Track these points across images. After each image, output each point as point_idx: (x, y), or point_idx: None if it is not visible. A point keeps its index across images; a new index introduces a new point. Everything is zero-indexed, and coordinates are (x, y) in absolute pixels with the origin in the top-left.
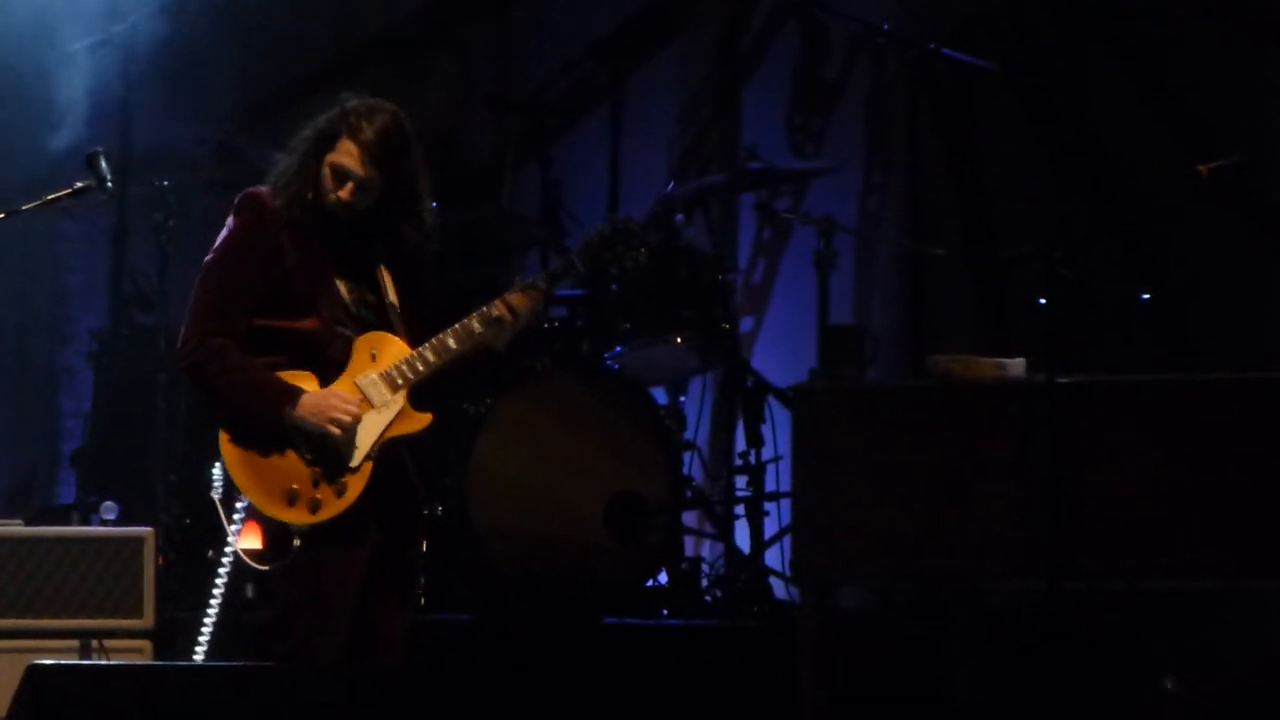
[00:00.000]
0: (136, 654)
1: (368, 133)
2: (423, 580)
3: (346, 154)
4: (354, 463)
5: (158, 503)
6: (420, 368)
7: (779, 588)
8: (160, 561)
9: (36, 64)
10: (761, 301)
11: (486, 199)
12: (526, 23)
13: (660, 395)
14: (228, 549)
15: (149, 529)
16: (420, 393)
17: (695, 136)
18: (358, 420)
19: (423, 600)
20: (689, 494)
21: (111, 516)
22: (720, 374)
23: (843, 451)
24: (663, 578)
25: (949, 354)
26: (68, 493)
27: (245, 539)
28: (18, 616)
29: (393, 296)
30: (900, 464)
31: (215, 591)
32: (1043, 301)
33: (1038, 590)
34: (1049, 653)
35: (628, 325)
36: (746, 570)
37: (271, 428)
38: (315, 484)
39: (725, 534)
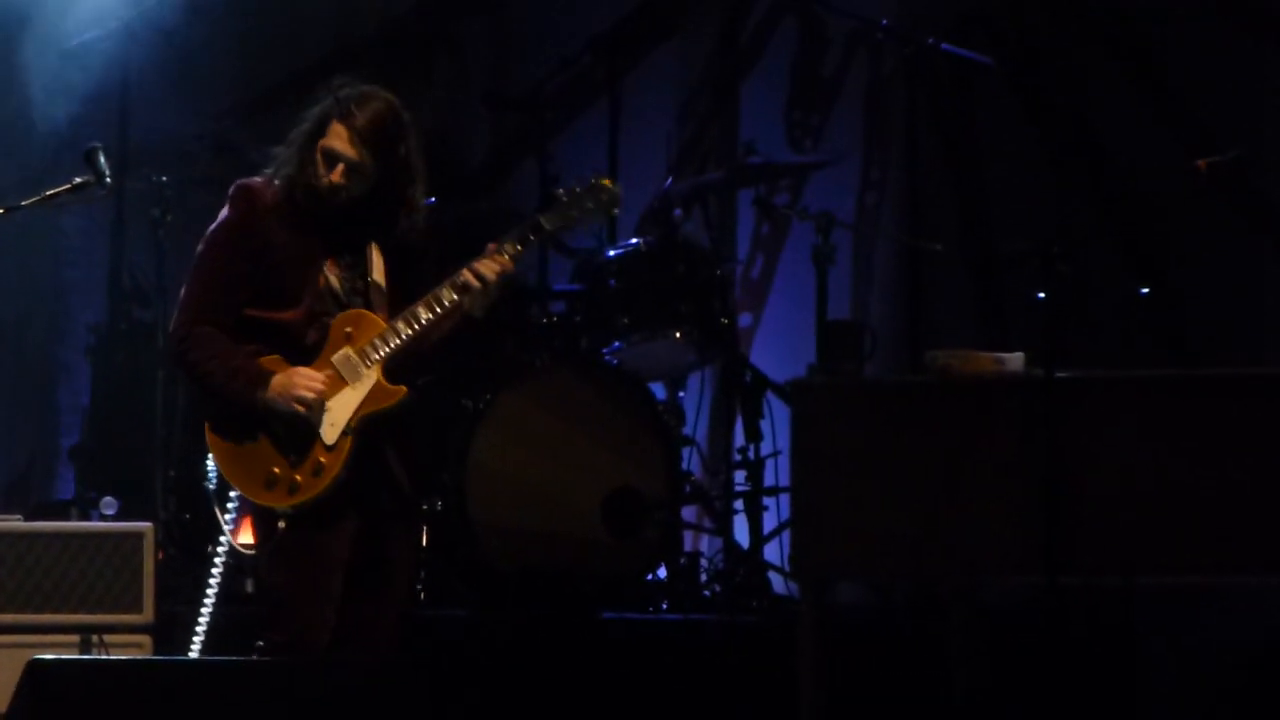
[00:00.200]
0: (136, 649)
1: (358, 116)
2: (421, 575)
3: (336, 136)
4: (330, 440)
5: (156, 498)
6: (394, 341)
7: (778, 582)
8: (159, 556)
9: (35, 60)
10: (760, 297)
11: (484, 195)
12: (524, 19)
13: (659, 390)
14: (222, 541)
15: (148, 524)
16: (404, 370)
17: (693, 132)
18: (322, 395)
19: (421, 595)
20: (687, 489)
21: (111, 511)
22: (719, 369)
23: (841, 447)
24: (661, 573)
25: (947, 349)
26: (67, 488)
27: (243, 534)
28: (17, 611)
29: (377, 275)
30: (899, 459)
31: (211, 585)
32: (1041, 297)
33: (1035, 585)
34: (1046, 648)
35: (626, 320)
36: (745, 565)
37: (249, 412)
38: (293, 466)
39: (724, 529)
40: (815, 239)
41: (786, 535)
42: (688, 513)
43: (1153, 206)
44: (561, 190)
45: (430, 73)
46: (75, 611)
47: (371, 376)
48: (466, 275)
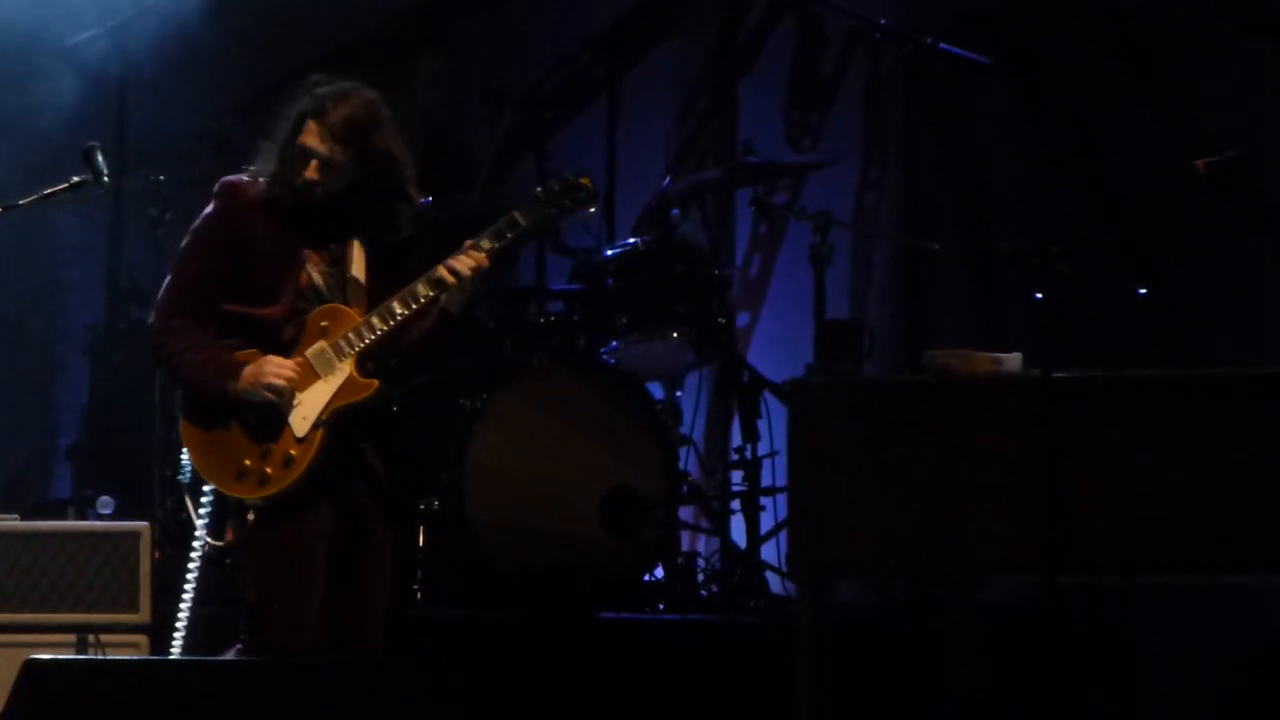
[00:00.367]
0: (132, 648)
1: (332, 114)
2: (419, 574)
3: (310, 134)
4: (301, 432)
5: (154, 497)
6: (368, 335)
7: (775, 582)
8: (156, 556)
9: (33, 59)
10: (758, 296)
11: (483, 194)
12: (523, 18)
13: (656, 390)
14: (198, 537)
15: (145, 523)
16: (385, 365)
17: (692, 131)
18: (292, 383)
19: (419, 595)
20: (685, 489)
21: (108, 511)
22: (716, 369)
23: (839, 446)
24: (659, 572)
25: (945, 349)
26: (64, 487)
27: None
28: (14, 611)
29: (356, 271)
30: (897, 459)
31: (188, 583)
32: (1039, 296)
33: (1034, 584)
34: (1045, 647)
35: (624, 320)
36: (742, 565)
37: (221, 403)
38: (264, 457)
39: (721, 529)
40: (813, 239)
41: (784, 535)
42: (685, 513)
43: (1151, 206)
44: (540, 188)
45: (429, 71)
46: (72, 611)
47: (345, 370)
48: (441, 271)
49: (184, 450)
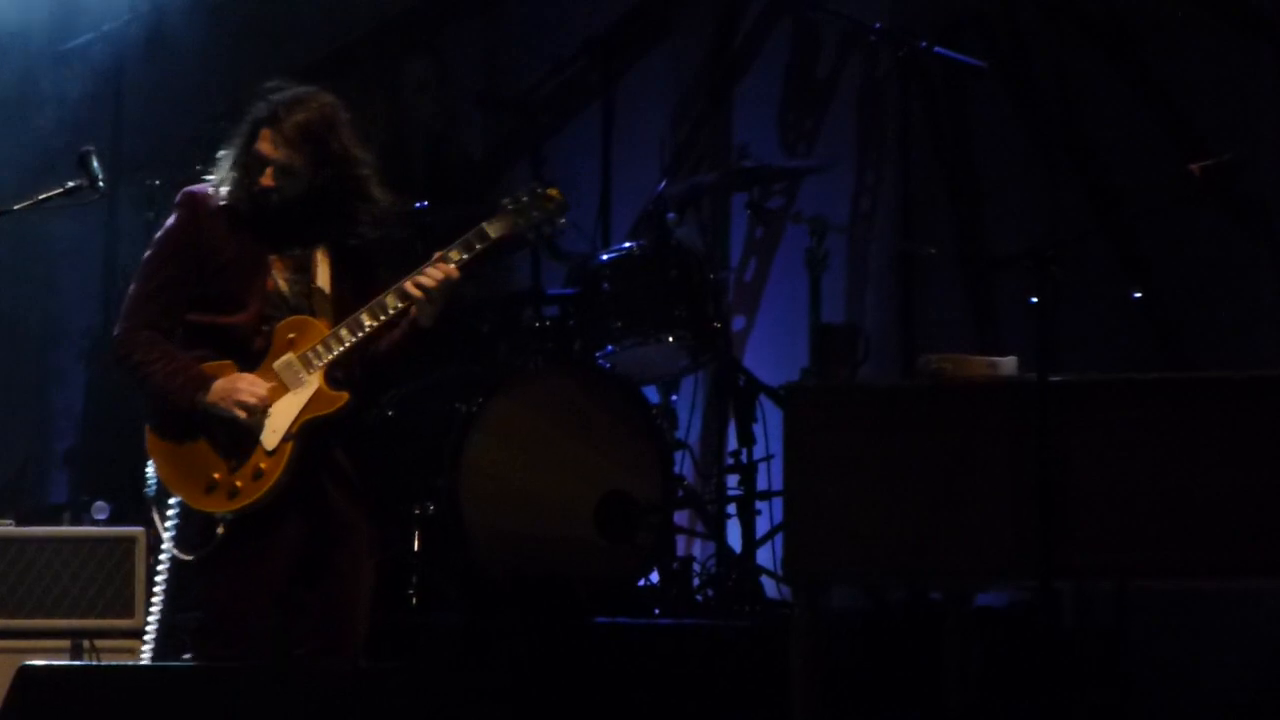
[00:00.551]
0: (127, 654)
1: (286, 119)
2: (414, 579)
3: (265, 140)
4: (270, 445)
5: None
6: (336, 347)
7: (770, 587)
8: (151, 561)
9: (28, 63)
10: (753, 300)
11: (478, 198)
12: (518, 22)
13: (652, 394)
14: (164, 549)
15: (140, 529)
16: (355, 377)
17: (687, 135)
18: (264, 403)
19: (414, 600)
20: (680, 493)
21: (103, 516)
22: (712, 373)
23: (834, 450)
24: (654, 577)
25: (941, 353)
26: (59, 492)
27: None
28: (9, 617)
29: (321, 282)
30: (892, 463)
31: (156, 593)
32: (1034, 300)
33: (1029, 589)
34: (1039, 652)
35: (619, 324)
36: (738, 569)
37: (188, 415)
38: (233, 470)
39: (717, 533)
40: (808, 242)
41: (779, 539)
42: (680, 517)
43: (1146, 210)
44: (507, 199)
45: (423, 75)
46: (66, 617)
47: (313, 383)
48: (408, 284)
49: (149, 461)
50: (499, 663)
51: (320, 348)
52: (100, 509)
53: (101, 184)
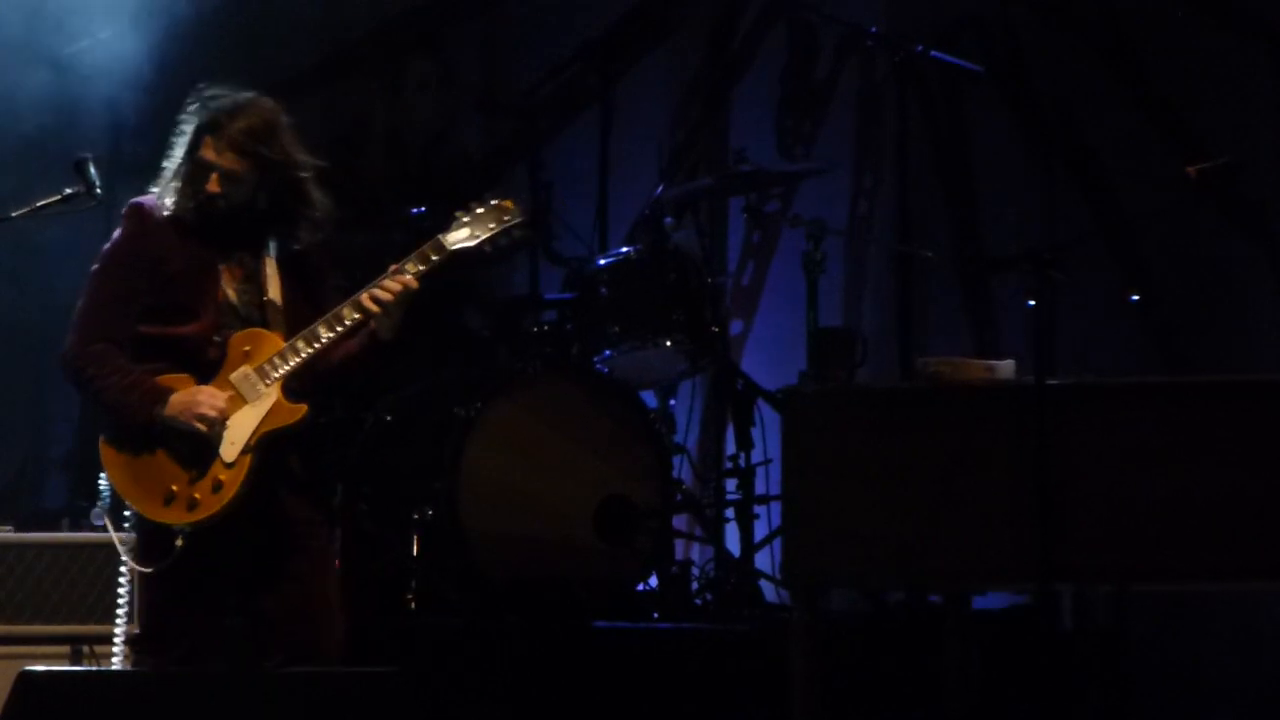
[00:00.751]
0: (127, 660)
1: (228, 125)
2: (412, 583)
3: (208, 147)
4: (229, 458)
5: None
6: (292, 359)
7: (770, 590)
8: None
9: (25, 69)
10: (751, 304)
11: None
12: (515, 24)
13: (650, 398)
14: (123, 561)
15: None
16: (306, 387)
17: (685, 139)
18: (224, 416)
19: (413, 604)
20: (679, 497)
21: (101, 522)
22: (710, 377)
23: (832, 454)
24: (653, 581)
25: (939, 356)
26: (56, 497)
27: None
28: (8, 622)
29: (273, 293)
30: (890, 466)
31: (120, 605)
32: (1032, 303)
33: (1028, 592)
34: (1039, 654)
35: (617, 328)
36: (737, 573)
37: (145, 428)
38: (191, 482)
39: (715, 537)
40: (806, 246)
41: (778, 543)
42: (679, 521)
43: (1144, 212)
44: (461, 210)
45: (418, 77)
46: (66, 622)
47: (271, 395)
48: (364, 297)
49: (102, 473)
50: (498, 667)
51: (277, 360)
52: (98, 515)
53: (99, 191)
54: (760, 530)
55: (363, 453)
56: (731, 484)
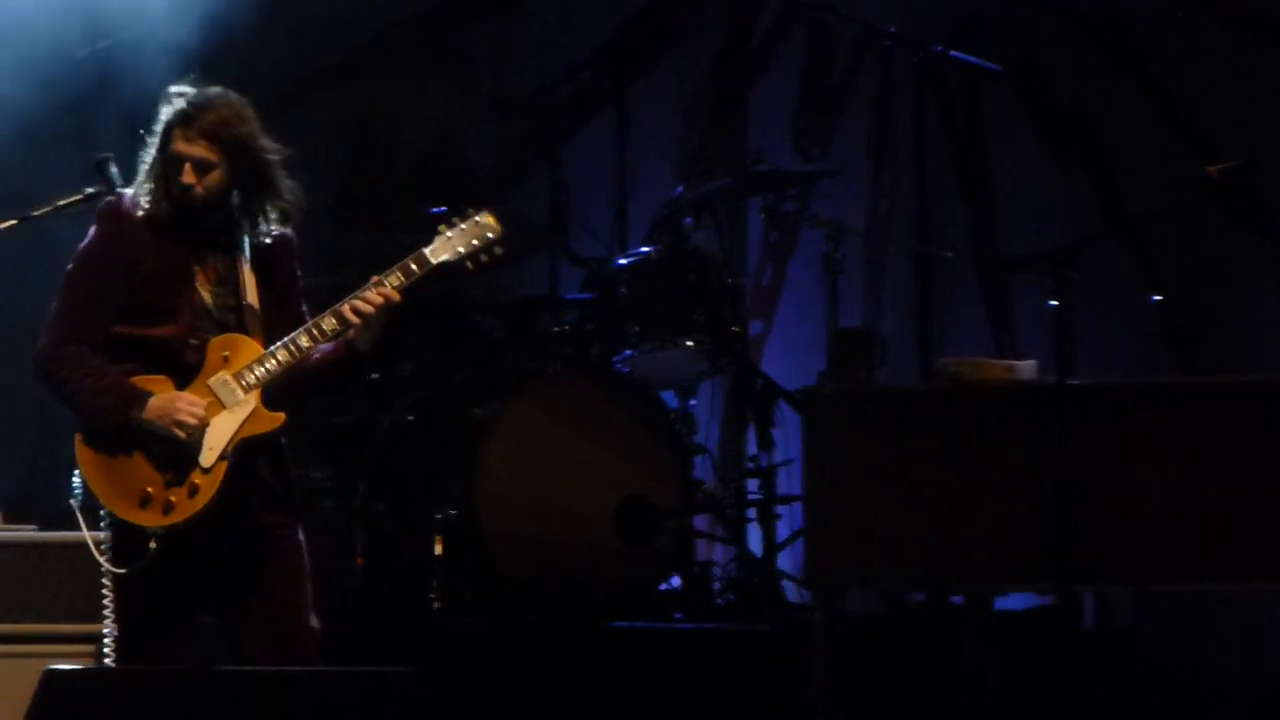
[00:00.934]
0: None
1: (198, 118)
2: (434, 583)
3: (179, 140)
4: (207, 463)
5: None
6: (272, 367)
7: (791, 591)
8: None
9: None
10: (770, 304)
11: (491, 203)
12: (529, 25)
13: (670, 398)
14: (103, 560)
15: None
16: (283, 395)
17: (702, 139)
18: (203, 422)
19: (434, 604)
20: (699, 498)
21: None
22: (730, 377)
23: (853, 454)
24: (675, 582)
25: (958, 356)
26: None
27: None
28: (33, 621)
29: (251, 298)
30: (910, 466)
31: (106, 606)
32: (1051, 303)
33: (1047, 592)
34: (1058, 654)
35: (637, 329)
36: (758, 574)
37: (121, 431)
38: (167, 486)
39: (737, 537)
40: (825, 246)
41: (800, 543)
42: (700, 521)
43: (1163, 212)
44: (443, 224)
45: (435, 79)
46: (90, 621)
47: (249, 402)
48: (345, 309)
49: (76, 471)
50: (519, 667)
51: (257, 367)
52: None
53: (119, 190)
54: (782, 531)
55: (381, 453)
56: (753, 484)
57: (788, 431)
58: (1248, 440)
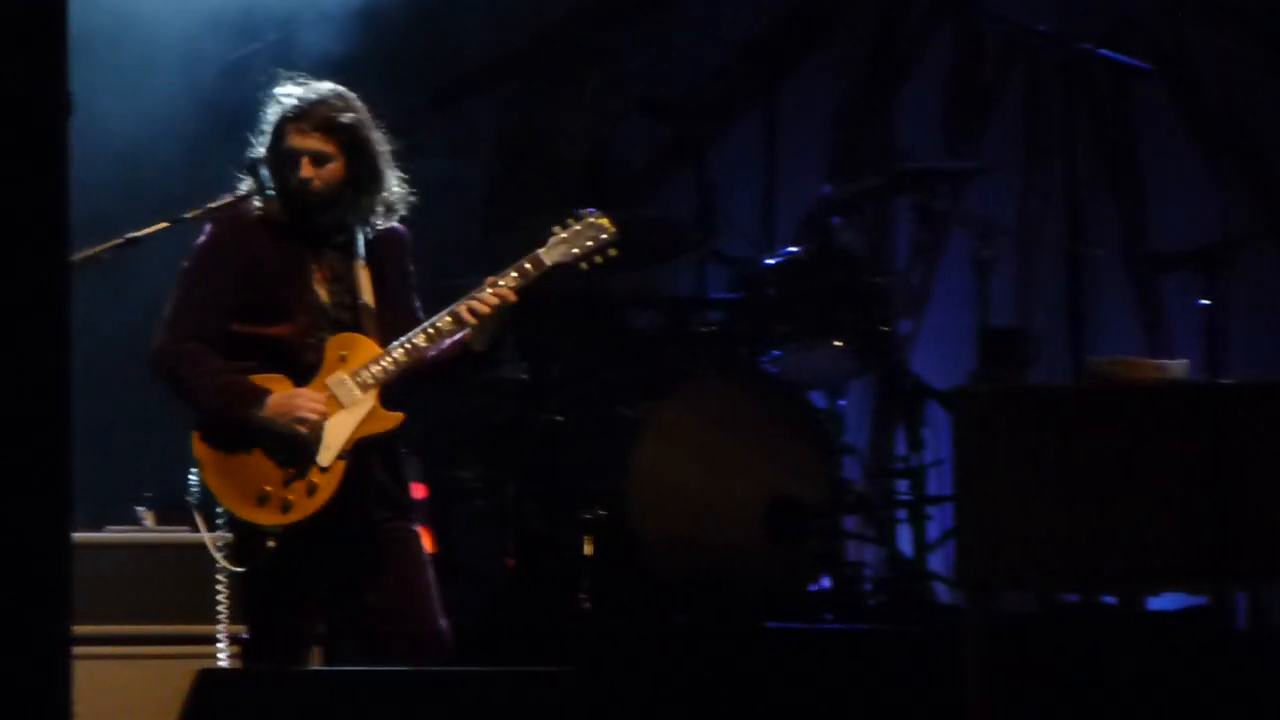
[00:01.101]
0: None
1: (310, 112)
2: (587, 584)
3: (294, 134)
4: (325, 462)
5: None
6: (389, 367)
7: (942, 592)
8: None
9: (193, 71)
10: (920, 304)
11: (642, 204)
12: (680, 27)
13: (818, 399)
14: (219, 561)
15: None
16: (395, 392)
17: (850, 139)
18: (324, 418)
19: (586, 604)
20: (849, 498)
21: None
22: (879, 377)
23: (1004, 455)
24: (825, 582)
25: (1110, 355)
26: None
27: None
28: (185, 623)
29: (367, 297)
30: (1062, 466)
31: (220, 605)
32: (1204, 302)
33: (1200, 593)
34: (1212, 656)
35: (785, 329)
36: (909, 575)
37: (240, 428)
38: (286, 484)
39: (887, 538)
40: (975, 245)
41: (951, 544)
42: (849, 522)
43: None
44: (559, 225)
45: (585, 81)
46: (236, 621)
47: (367, 401)
48: (462, 309)
49: (192, 470)
50: (671, 667)
51: (375, 367)
52: (142, 514)
53: (270, 192)
54: (932, 531)
55: (533, 452)
56: (903, 485)
57: (937, 431)
58: None
